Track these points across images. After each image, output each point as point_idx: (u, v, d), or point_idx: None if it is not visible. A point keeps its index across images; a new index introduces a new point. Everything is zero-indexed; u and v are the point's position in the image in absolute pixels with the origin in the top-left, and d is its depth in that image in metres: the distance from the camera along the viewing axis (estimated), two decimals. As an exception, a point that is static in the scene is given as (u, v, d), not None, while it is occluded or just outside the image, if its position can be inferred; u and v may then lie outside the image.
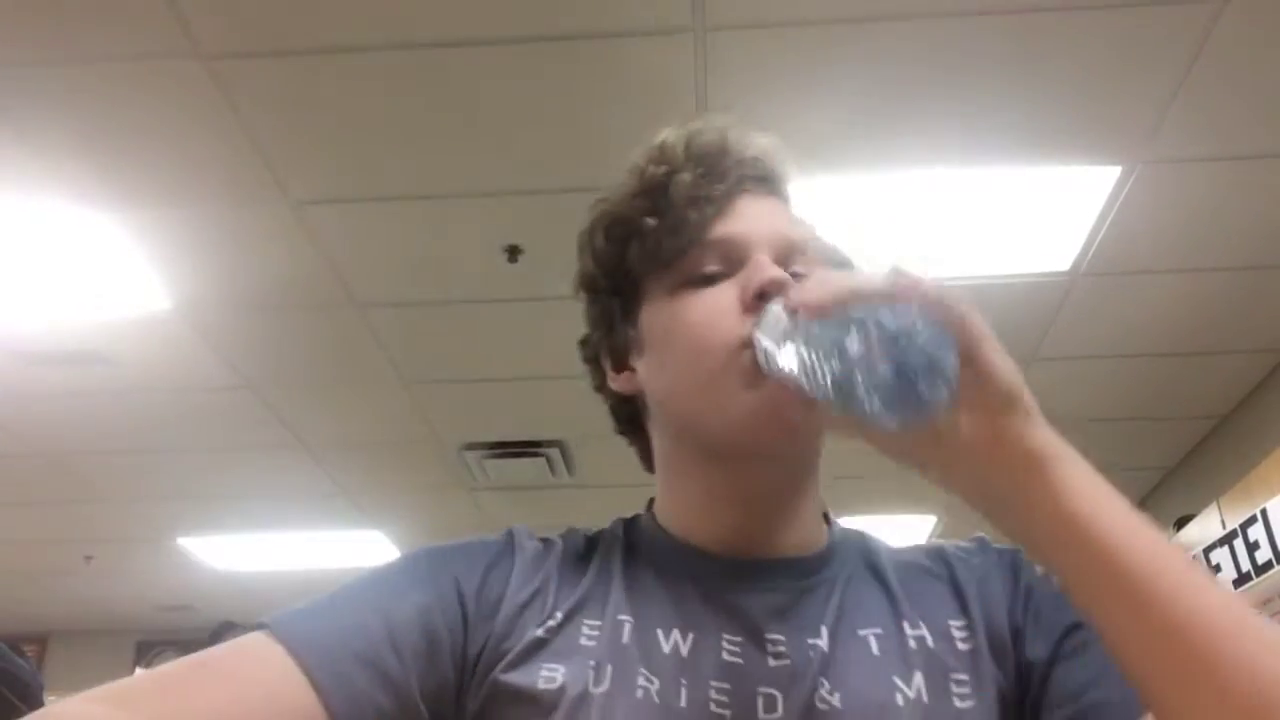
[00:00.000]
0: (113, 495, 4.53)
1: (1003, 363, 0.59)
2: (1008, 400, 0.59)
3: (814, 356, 0.60)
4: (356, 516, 4.82)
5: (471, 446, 4.10)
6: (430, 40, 2.16)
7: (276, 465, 4.23)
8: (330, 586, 0.73)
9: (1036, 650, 0.70)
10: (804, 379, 0.61)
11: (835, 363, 0.59)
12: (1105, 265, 2.90)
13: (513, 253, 2.85)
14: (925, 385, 0.57)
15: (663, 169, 0.77)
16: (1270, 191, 2.63)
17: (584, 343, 0.84)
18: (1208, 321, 3.21)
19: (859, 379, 0.57)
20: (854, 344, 0.58)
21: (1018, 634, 0.71)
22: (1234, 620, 0.55)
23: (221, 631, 6.41)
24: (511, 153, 2.49)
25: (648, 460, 0.83)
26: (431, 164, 2.53)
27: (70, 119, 2.34)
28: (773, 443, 0.71)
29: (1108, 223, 2.74)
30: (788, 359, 0.63)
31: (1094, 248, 2.84)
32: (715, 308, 0.72)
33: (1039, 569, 0.74)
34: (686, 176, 0.76)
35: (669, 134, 0.79)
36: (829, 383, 0.59)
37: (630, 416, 0.82)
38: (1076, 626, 0.69)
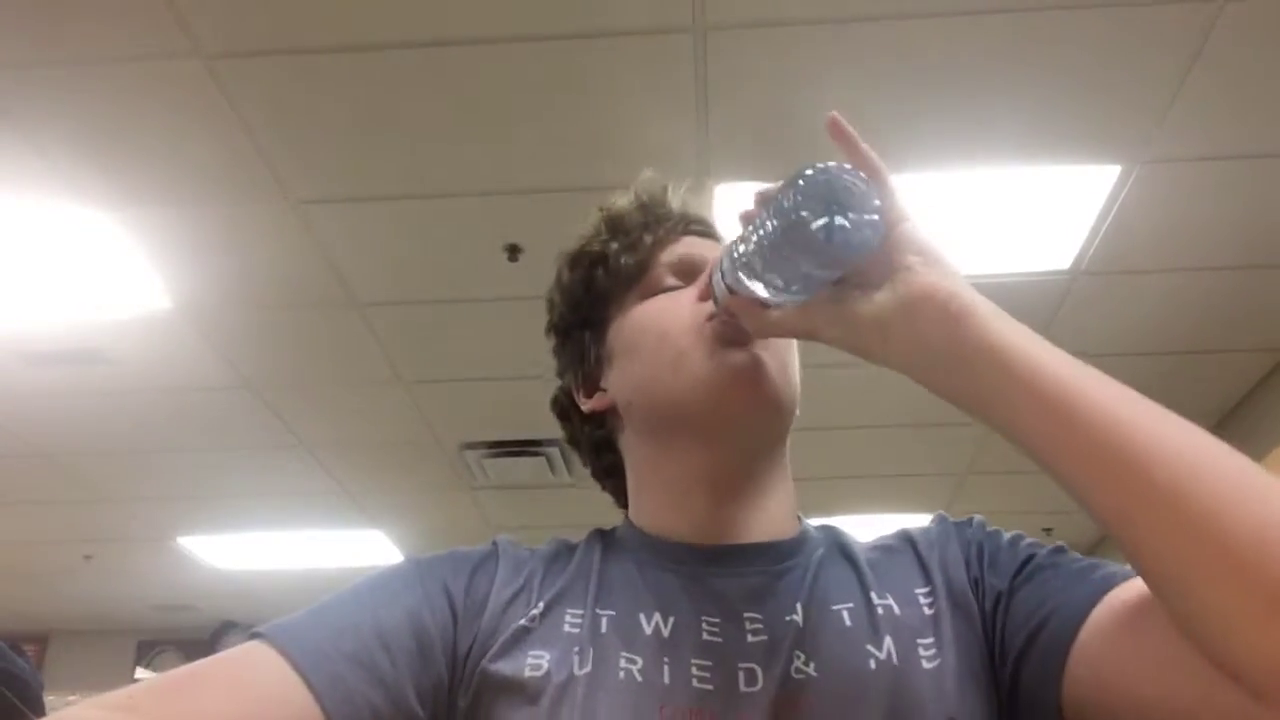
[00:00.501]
0: (113, 495, 4.53)
1: (924, 229, 0.67)
2: (937, 256, 0.66)
3: (758, 233, 0.68)
4: (356, 516, 4.82)
5: (471, 446, 4.10)
6: (430, 40, 2.16)
7: (276, 465, 4.23)
8: (330, 586, 0.74)
9: (997, 590, 0.73)
10: (752, 261, 0.69)
11: (773, 222, 0.65)
12: (1105, 264, 2.90)
13: (513, 252, 2.86)
14: (854, 216, 0.64)
15: (616, 210, 0.87)
16: (1270, 191, 2.63)
17: (555, 399, 0.91)
18: (1208, 321, 3.21)
19: (798, 218, 0.63)
20: (788, 197, 0.64)
21: (978, 585, 0.75)
22: (1162, 423, 0.59)
23: (222, 631, 6.43)
24: (511, 152, 2.49)
25: (621, 495, 0.87)
26: (431, 164, 2.53)
27: (70, 119, 2.34)
28: (739, 405, 0.77)
29: (1108, 222, 2.74)
30: (738, 254, 0.71)
31: (1094, 247, 2.84)
32: (676, 302, 0.82)
33: (990, 527, 0.80)
34: (637, 209, 0.86)
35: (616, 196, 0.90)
36: (770, 244, 0.66)
37: (602, 444, 0.87)
38: (1028, 560, 0.74)
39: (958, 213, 2.70)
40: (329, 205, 2.68)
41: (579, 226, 0.91)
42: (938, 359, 0.64)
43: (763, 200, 0.69)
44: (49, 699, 1.49)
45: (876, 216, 0.64)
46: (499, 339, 3.27)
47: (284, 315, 3.18)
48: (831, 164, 0.65)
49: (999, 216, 2.74)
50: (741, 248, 0.71)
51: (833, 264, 0.65)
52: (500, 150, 2.49)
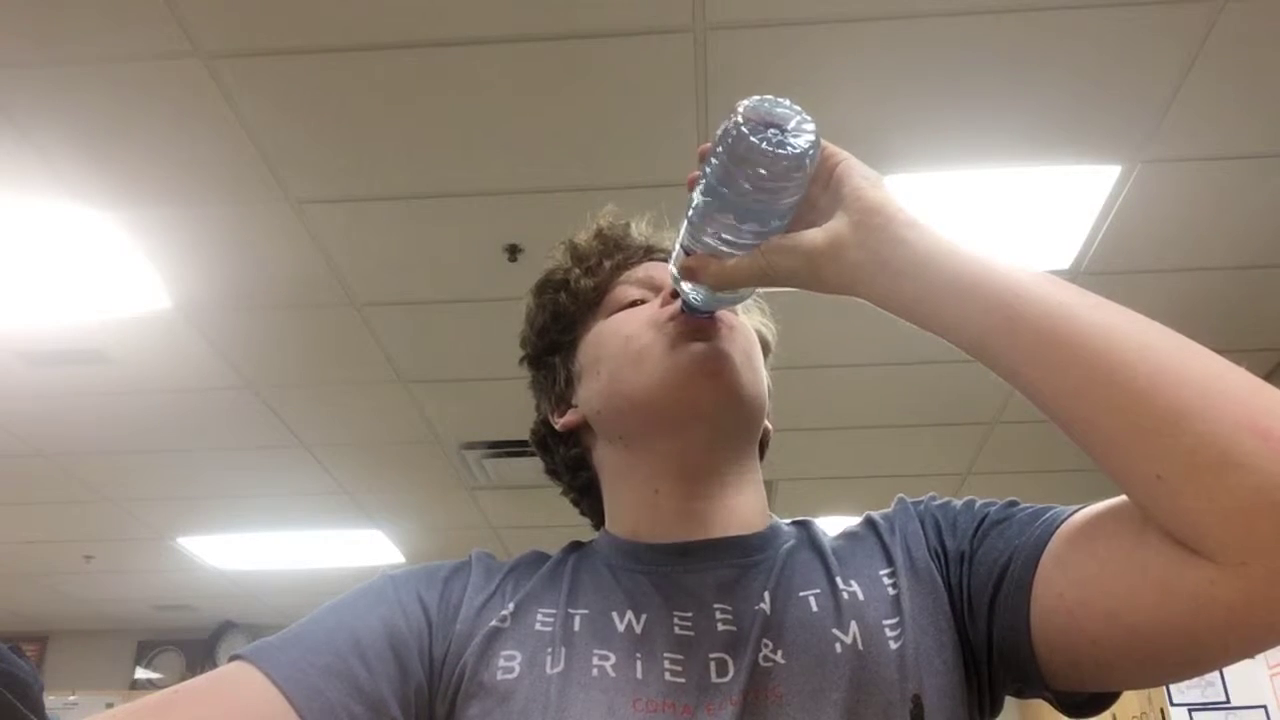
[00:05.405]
0: (113, 495, 4.53)
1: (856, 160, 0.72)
2: (880, 180, 0.70)
3: (706, 179, 0.71)
4: (356, 515, 4.82)
5: (471, 446, 4.10)
6: (430, 40, 2.16)
7: (276, 465, 4.23)
8: (330, 586, 0.75)
9: (960, 551, 0.75)
10: (706, 208, 0.71)
11: (718, 153, 0.69)
12: (1105, 265, 2.91)
13: (513, 253, 2.86)
14: (792, 129, 0.69)
15: (578, 241, 0.91)
16: (1270, 191, 2.63)
17: (533, 432, 0.93)
18: (1208, 321, 3.21)
19: (739, 134, 0.68)
20: (729, 124, 0.69)
21: (939, 555, 0.76)
22: (1101, 308, 0.64)
23: (222, 631, 6.40)
24: (511, 153, 2.49)
25: (597, 515, 0.89)
26: (431, 164, 2.53)
27: (70, 119, 2.34)
28: (702, 395, 0.79)
29: (1108, 222, 2.74)
30: (691, 211, 0.74)
31: (1094, 247, 2.84)
32: (639, 310, 0.85)
33: (940, 499, 0.82)
34: (597, 238, 0.90)
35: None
36: (718, 177, 0.69)
37: (577, 461, 0.89)
38: (984, 519, 0.75)
39: (958, 213, 2.70)
40: (329, 205, 2.68)
41: (578, 226, 0.93)
42: (890, 268, 0.67)
43: (704, 153, 0.72)
44: (49, 699, 1.50)
45: (812, 129, 0.69)
46: (499, 339, 3.26)
47: (284, 315, 3.18)
48: (766, 95, 0.71)
49: (999, 216, 2.74)
50: (694, 201, 0.73)
51: (780, 175, 0.68)
52: (500, 150, 2.49)
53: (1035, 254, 2.89)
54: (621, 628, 0.74)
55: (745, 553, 0.79)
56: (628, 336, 0.82)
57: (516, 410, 0.99)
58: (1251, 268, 2.95)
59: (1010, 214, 2.73)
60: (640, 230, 0.92)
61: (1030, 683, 0.70)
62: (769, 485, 0.88)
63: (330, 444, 4.10)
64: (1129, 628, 0.62)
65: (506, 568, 0.82)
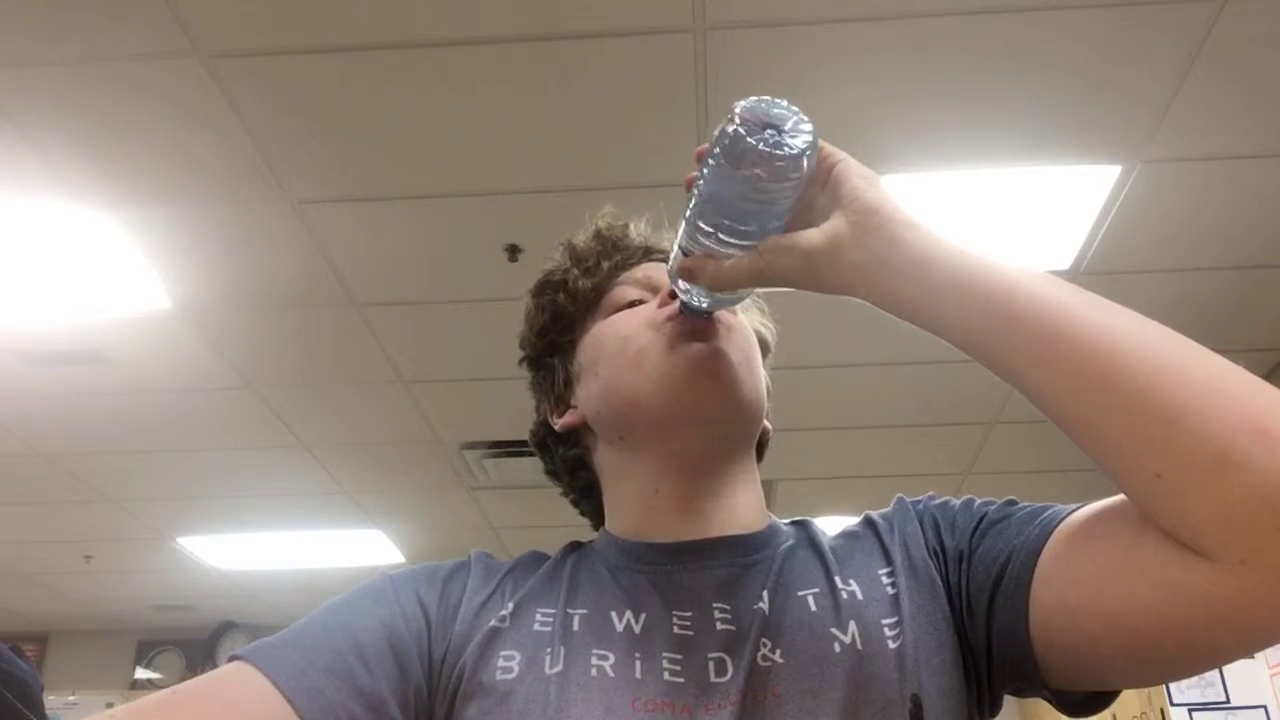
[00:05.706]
0: (113, 495, 4.53)
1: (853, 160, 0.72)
2: (878, 181, 0.70)
3: (703, 181, 0.71)
4: (356, 516, 4.82)
5: (471, 446, 4.10)
6: (430, 40, 2.16)
7: (276, 465, 4.23)
8: (330, 586, 0.75)
9: (959, 550, 0.75)
10: (703, 210, 0.72)
11: (715, 154, 0.69)
12: (1105, 265, 2.91)
13: (513, 253, 2.86)
14: (789, 130, 0.69)
15: (576, 242, 0.91)
16: (1270, 191, 2.63)
17: (533, 433, 0.93)
18: (1208, 321, 3.21)
19: (736, 135, 0.68)
20: (726, 127, 0.69)
21: (938, 554, 0.76)
22: (1097, 308, 0.63)
23: (221, 631, 6.39)
24: (511, 153, 2.49)
25: (596, 516, 0.89)
26: (431, 164, 2.53)
27: (70, 119, 2.34)
28: (701, 395, 0.79)
29: (1108, 222, 2.74)
30: (689, 212, 0.74)
31: (1094, 247, 2.84)
32: (637, 311, 0.85)
33: (939, 499, 0.82)
34: (595, 239, 0.90)
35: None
36: (716, 178, 0.69)
37: (576, 462, 0.89)
38: (983, 518, 0.75)
39: (958, 213, 2.71)
40: (329, 205, 2.68)
41: (578, 226, 0.93)
42: (889, 268, 0.67)
43: (702, 155, 0.72)
44: (49, 699, 1.50)
45: (809, 130, 0.69)
46: (499, 339, 3.25)
47: (284, 315, 3.18)
48: (763, 96, 0.71)
49: (999, 216, 2.74)
50: (691, 203, 0.73)
51: (777, 176, 0.68)
52: (500, 150, 2.49)
53: (1035, 254, 2.89)
54: (620, 627, 0.74)
55: (744, 552, 0.79)
56: (626, 337, 0.82)
57: (516, 410, 0.99)
58: (1251, 268, 2.95)
59: (1010, 214, 2.73)
60: (639, 231, 0.92)
61: (1029, 682, 0.70)
62: (769, 485, 0.88)
63: (330, 444, 4.10)
64: (1128, 627, 0.62)
65: (505, 568, 0.82)
